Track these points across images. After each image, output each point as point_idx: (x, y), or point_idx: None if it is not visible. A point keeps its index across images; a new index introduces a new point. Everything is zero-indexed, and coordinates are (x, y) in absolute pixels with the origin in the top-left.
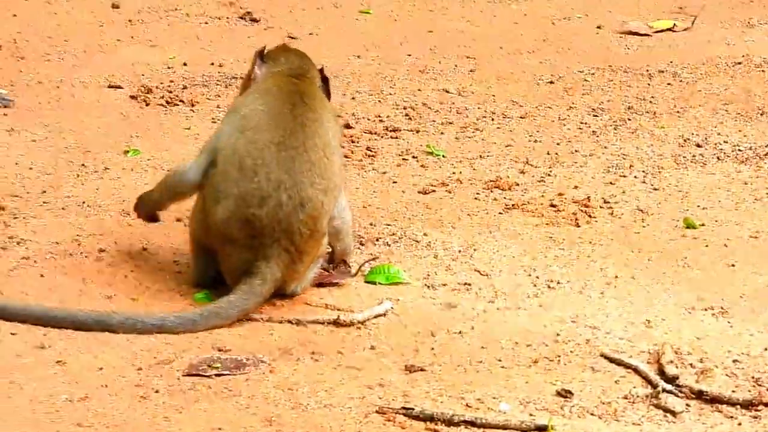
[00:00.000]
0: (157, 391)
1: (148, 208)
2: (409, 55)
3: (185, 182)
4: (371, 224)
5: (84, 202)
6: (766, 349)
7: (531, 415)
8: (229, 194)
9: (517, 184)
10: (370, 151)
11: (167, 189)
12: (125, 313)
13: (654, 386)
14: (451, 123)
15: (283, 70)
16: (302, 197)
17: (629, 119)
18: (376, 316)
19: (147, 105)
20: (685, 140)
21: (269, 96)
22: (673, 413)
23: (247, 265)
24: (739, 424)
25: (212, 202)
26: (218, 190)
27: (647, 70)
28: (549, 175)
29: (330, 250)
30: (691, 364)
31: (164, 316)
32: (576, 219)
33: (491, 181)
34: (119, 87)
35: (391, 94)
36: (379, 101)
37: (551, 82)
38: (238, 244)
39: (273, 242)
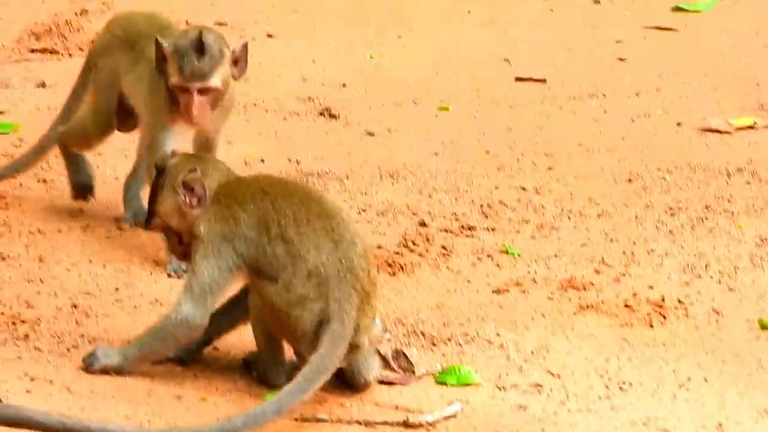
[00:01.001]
0: None
1: (143, 359)
2: (488, 152)
3: (196, 328)
4: (444, 324)
5: (157, 300)
6: None
7: None
8: (285, 265)
9: (592, 284)
10: (445, 249)
11: (173, 339)
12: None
13: None
14: (527, 221)
15: (225, 173)
16: (352, 234)
17: (706, 218)
18: (445, 418)
19: None
20: (762, 240)
21: (258, 198)
22: None
23: (321, 316)
24: None
25: (269, 283)
26: (271, 273)
27: (726, 169)
28: (624, 275)
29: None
30: None
31: (279, 400)
32: (650, 320)
33: (566, 280)
34: None
35: (467, 191)
36: (456, 199)
37: (629, 181)
38: (308, 300)
39: (340, 282)
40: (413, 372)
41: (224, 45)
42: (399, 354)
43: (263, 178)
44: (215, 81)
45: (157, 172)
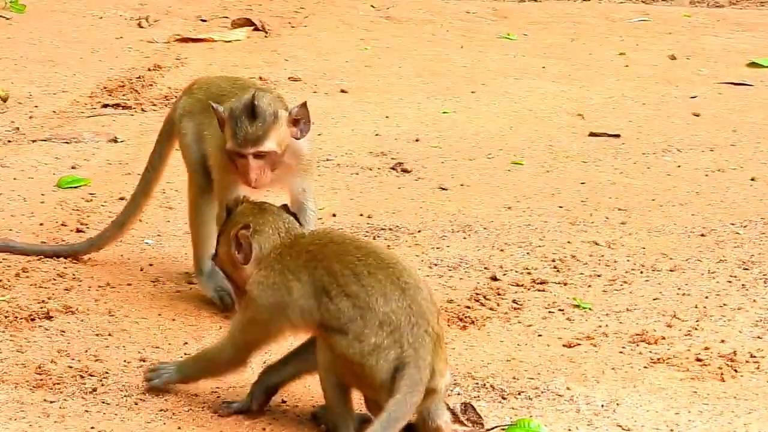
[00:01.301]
0: None
1: (196, 380)
2: (560, 207)
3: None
4: (514, 378)
5: None
6: None
7: None
8: (353, 317)
9: (664, 338)
10: (516, 303)
11: (219, 372)
12: None
13: None
14: (599, 275)
15: (283, 232)
16: (415, 279)
17: None
18: None
19: None
20: None
21: (311, 266)
22: None
23: (396, 363)
24: None
25: (338, 336)
26: (339, 326)
27: None
28: (696, 328)
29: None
30: None
31: None
32: (721, 374)
33: (637, 334)
34: None
35: (540, 246)
36: (528, 253)
37: (702, 235)
38: (382, 348)
39: (412, 327)
40: (482, 425)
41: (280, 107)
42: (467, 407)
43: (317, 239)
44: (269, 145)
45: (227, 213)
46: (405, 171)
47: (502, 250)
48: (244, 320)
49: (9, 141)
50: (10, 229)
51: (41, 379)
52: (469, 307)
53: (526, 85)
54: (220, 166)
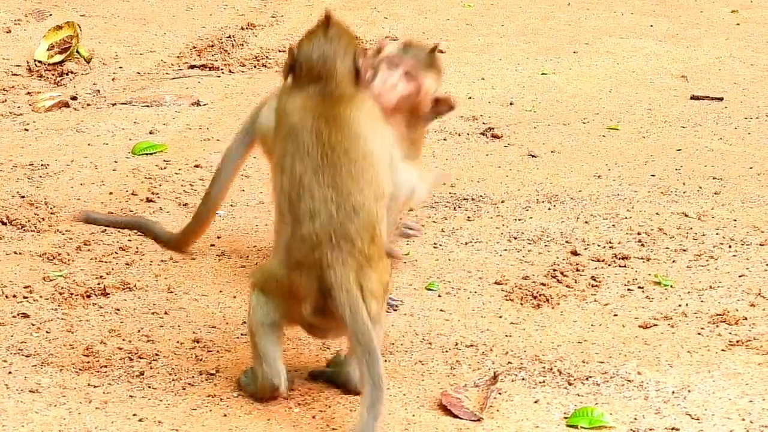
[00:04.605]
0: None
1: None
2: (653, 176)
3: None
4: (583, 362)
5: (284, 335)
6: None
7: None
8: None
9: (745, 318)
10: (595, 280)
11: None
12: None
13: None
14: (685, 250)
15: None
16: (353, 204)
17: None
18: None
19: None
20: None
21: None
22: None
23: (318, 283)
24: None
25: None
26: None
27: None
28: None
29: None
30: None
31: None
32: None
33: (718, 314)
34: None
35: (627, 217)
36: (613, 225)
37: None
38: (304, 266)
39: (332, 249)
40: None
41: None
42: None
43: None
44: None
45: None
46: (495, 137)
47: (586, 222)
48: None
49: (88, 104)
50: (78, 198)
51: (88, 362)
52: (544, 284)
53: (630, 45)
54: None
